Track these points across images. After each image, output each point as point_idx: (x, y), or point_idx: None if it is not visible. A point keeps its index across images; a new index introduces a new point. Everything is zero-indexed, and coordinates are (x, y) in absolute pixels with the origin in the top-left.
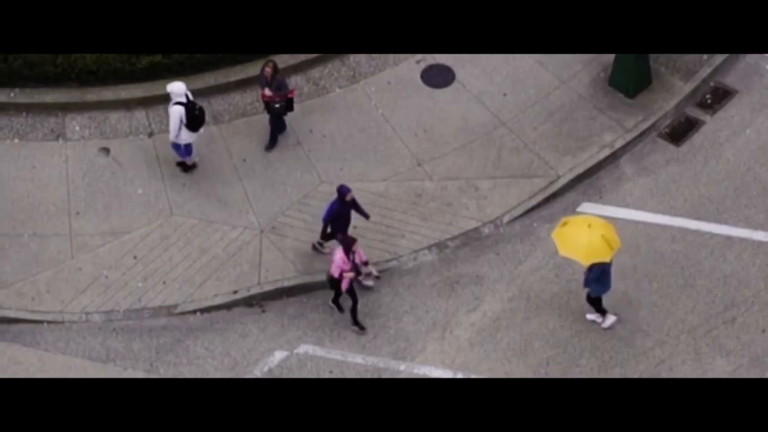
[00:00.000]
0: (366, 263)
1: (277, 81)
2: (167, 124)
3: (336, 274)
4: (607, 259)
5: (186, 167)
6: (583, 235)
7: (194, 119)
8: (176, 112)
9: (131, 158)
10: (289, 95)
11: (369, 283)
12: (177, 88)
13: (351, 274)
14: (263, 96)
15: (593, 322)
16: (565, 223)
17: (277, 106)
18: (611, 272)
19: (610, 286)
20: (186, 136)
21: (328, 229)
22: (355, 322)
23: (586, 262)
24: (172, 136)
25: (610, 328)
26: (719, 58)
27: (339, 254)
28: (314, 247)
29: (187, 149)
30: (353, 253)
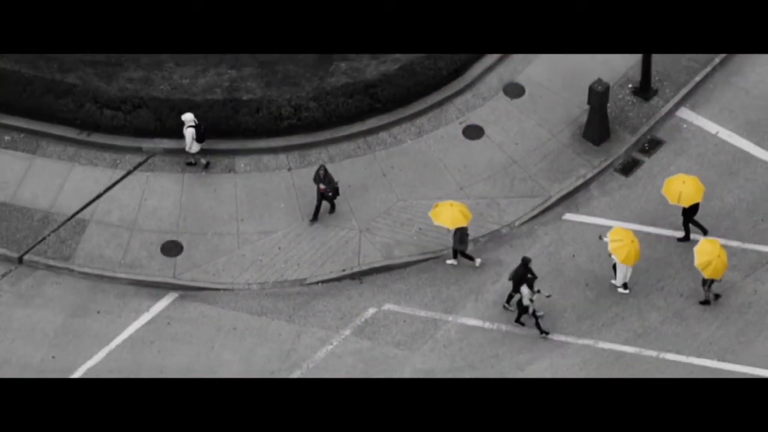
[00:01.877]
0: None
1: (327, 178)
2: (301, 163)
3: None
4: (464, 224)
5: (191, 165)
6: (448, 211)
7: (201, 136)
8: (189, 133)
9: (277, 185)
10: (336, 186)
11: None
12: (189, 117)
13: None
14: (319, 189)
15: (451, 264)
16: (436, 206)
17: (330, 194)
18: (468, 234)
19: (468, 244)
20: (196, 147)
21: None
22: (540, 330)
23: (452, 227)
24: (187, 149)
25: (479, 266)
26: (653, 120)
27: (526, 290)
28: (504, 307)
29: (197, 156)
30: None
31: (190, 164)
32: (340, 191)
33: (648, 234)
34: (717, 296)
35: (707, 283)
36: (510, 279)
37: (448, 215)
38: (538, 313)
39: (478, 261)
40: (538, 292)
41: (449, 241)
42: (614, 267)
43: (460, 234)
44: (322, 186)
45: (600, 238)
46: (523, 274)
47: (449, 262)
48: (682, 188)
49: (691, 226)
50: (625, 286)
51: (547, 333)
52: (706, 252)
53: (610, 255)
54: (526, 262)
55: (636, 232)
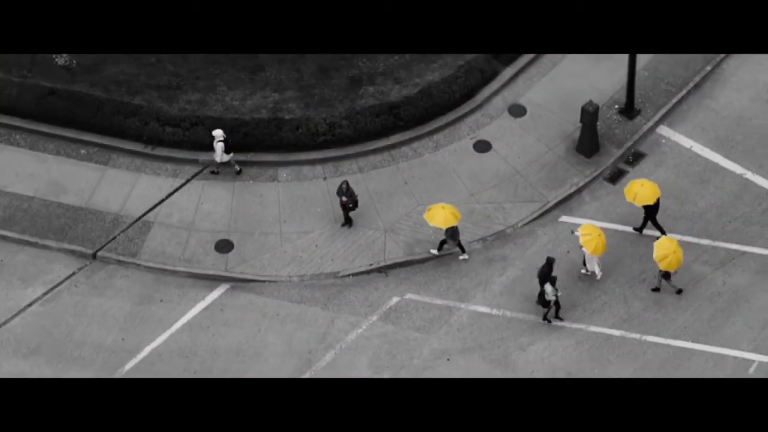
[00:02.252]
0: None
1: (349, 191)
2: (335, 173)
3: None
4: (455, 223)
5: (215, 174)
6: (440, 213)
7: (229, 148)
8: (219, 147)
9: (314, 192)
10: (355, 199)
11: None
12: (218, 133)
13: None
14: (341, 201)
15: (433, 253)
16: (429, 209)
17: (350, 206)
18: (458, 230)
19: (459, 238)
20: (225, 158)
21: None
22: (557, 316)
23: (444, 227)
24: (217, 160)
25: (432, 257)
26: (636, 136)
27: (549, 288)
28: (544, 311)
29: (225, 165)
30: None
31: (213, 173)
32: (370, 198)
33: (631, 233)
34: (679, 291)
35: (662, 273)
36: (537, 276)
37: (441, 217)
38: (558, 305)
39: (465, 255)
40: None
41: (462, 240)
42: (584, 258)
43: (452, 231)
44: (344, 198)
45: (572, 232)
46: (547, 273)
47: (461, 257)
48: (639, 189)
49: (650, 224)
50: (593, 274)
51: (549, 321)
52: (664, 247)
53: (581, 247)
54: (550, 262)
55: (621, 232)
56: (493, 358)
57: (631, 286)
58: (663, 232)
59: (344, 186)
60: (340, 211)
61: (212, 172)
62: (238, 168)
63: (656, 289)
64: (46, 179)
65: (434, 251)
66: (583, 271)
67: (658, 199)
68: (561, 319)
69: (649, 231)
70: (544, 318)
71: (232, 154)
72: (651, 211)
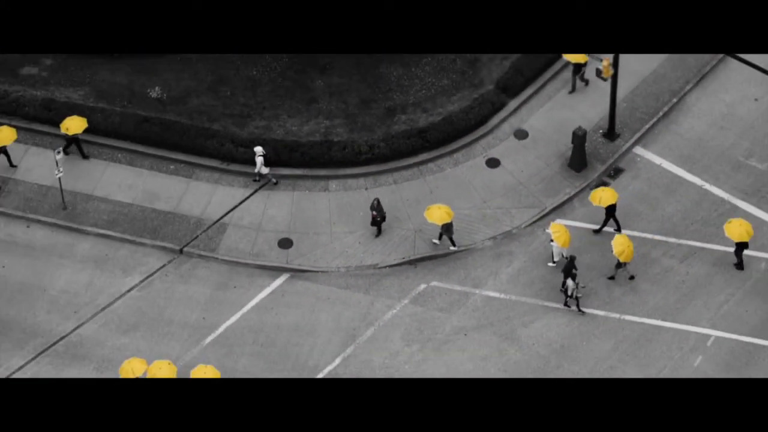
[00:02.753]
0: None
1: (379, 207)
2: (374, 185)
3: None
4: (448, 220)
5: (257, 181)
6: (437, 212)
7: (269, 162)
8: (260, 161)
9: (357, 200)
10: (384, 215)
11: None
12: (259, 149)
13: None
14: (372, 215)
15: (435, 245)
16: (428, 209)
17: (379, 219)
18: (453, 225)
19: (453, 233)
20: (265, 170)
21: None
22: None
23: (440, 223)
24: (257, 171)
25: (452, 252)
26: (617, 155)
27: (571, 282)
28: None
29: (265, 176)
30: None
31: (256, 181)
32: (402, 204)
33: (612, 233)
34: (632, 277)
35: (620, 264)
36: (562, 272)
37: (437, 215)
38: (578, 297)
39: (454, 248)
40: (579, 284)
41: (475, 240)
42: (552, 252)
43: (447, 226)
44: (374, 212)
45: (544, 230)
46: (569, 269)
47: (451, 248)
48: (602, 194)
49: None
50: (553, 260)
51: (569, 307)
52: (620, 244)
53: (551, 241)
54: (572, 259)
55: (603, 232)
56: (502, 333)
57: (612, 275)
58: (619, 228)
59: (375, 202)
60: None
61: (254, 180)
62: (275, 180)
63: (612, 278)
64: (142, 189)
65: (435, 241)
66: (550, 264)
67: (616, 201)
68: (582, 312)
69: (626, 230)
70: (565, 304)
71: (269, 168)
72: (611, 211)
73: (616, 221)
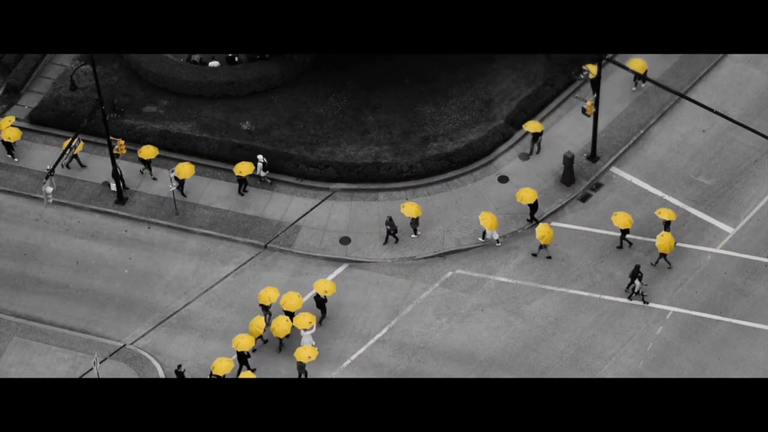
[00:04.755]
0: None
1: (391, 222)
2: (412, 197)
3: None
4: (419, 215)
5: (262, 181)
6: (410, 208)
7: (268, 168)
8: (260, 166)
9: (398, 208)
10: (395, 228)
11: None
12: (261, 157)
13: None
14: (387, 229)
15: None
16: (404, 205)
17: (392, 233)
18: (418, 221)
19: (419, 226)
20: (263, 174)
21: None
22: (643, 300)
23: (414, 216)
24: (257, 174)
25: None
26: (597, 173)
27: (638, 282)
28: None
29: (263, 179)
30: None
31: (261, 180)
32: (434, 211)
33: (593, 233)
34: (549, 257)
35: (541, 246)
36: (629, 276)
37: (411, 210)
38: (644, 294)
39: (414, 235)
40: (642, 282)
41: (490, 236)
42: (483, 233)
43: (415, 220)
44: (388, 227)
45: (528, 226)
46: (635, 272)
47: (413, 236)
48: (524, 194)
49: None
50: (498, 241)
51: (647, 303)
52: (541, 230)
53: (484, 231)
54: (637, 267)
55: (586, 232)
56: (510, 309)
57: (594, 264)
58: (537, 222)
59: (387, 219)
60: (412, 218)
61: (261, 180)
62: (269, 181)
63: (535, 255)
64: (235, 199)
65: (480, 239)
66: (480, 239)
67: (537, 199)
68: (646, 303)
69: (605, 231)
70: (630, 297)
71: (267, 172)
72: (534, 207)
73: (534, 217)
